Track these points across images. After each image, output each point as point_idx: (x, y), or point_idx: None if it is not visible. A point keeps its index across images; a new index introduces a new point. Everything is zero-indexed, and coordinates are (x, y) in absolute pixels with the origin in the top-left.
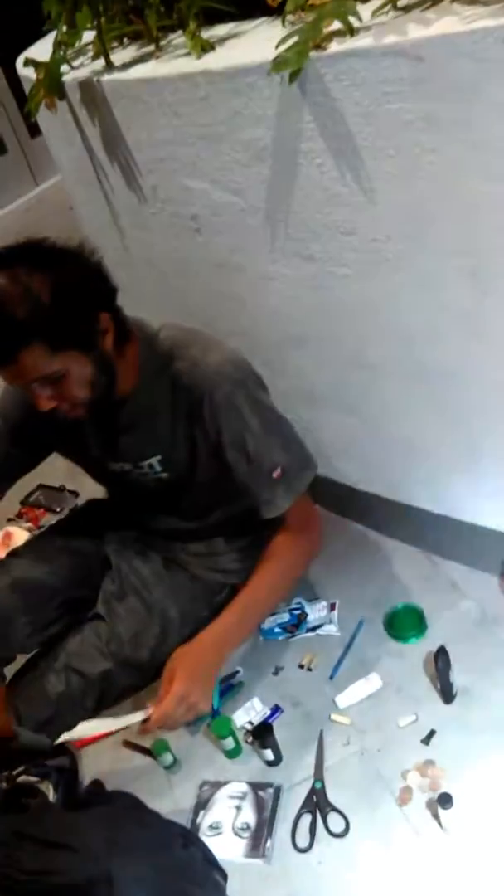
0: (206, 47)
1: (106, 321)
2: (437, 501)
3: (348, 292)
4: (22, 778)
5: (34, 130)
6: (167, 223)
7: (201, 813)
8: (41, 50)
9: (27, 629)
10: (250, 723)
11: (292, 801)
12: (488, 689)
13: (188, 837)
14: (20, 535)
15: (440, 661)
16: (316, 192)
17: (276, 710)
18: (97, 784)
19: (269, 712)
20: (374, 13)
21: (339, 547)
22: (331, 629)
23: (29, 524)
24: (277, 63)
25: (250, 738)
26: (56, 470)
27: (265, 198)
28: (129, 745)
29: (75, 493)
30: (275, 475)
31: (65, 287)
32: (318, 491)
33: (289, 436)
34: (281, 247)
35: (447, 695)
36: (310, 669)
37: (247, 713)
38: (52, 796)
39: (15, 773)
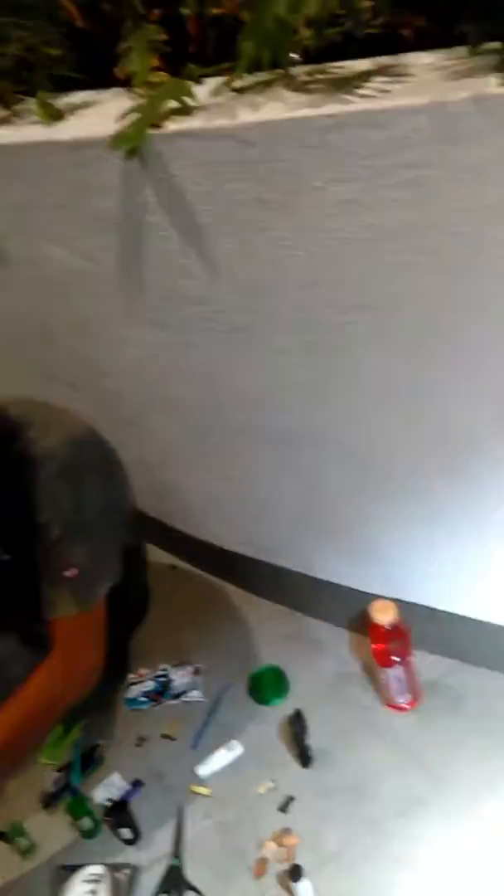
0: (55, 115)
1: None
2: (294, 560)
3: (199, 359)
4: None
5: None
6: (25, 286)
7: None
8: None
9: None
10: (110, 800)
11: (151, 881)
12: (343, 750)
13: None
14: None
15: (296, 725)
16: (164, 264)
17: (136, 784)
18: None
19: (128, 787)
20: (212, 93)
21: (209, 608)
22: (196, 695)
23: None
24: (116, 139)
25: (107, 817)
26: None
27: (117, 266)
28: None
29: None
30: (67, 574)
31: None
32: (189, 550)
33: (101, 538)
34: (135, 313)
35: (304, 759)
36: (173, 739)
37: (107, 790)
38: None
39: None
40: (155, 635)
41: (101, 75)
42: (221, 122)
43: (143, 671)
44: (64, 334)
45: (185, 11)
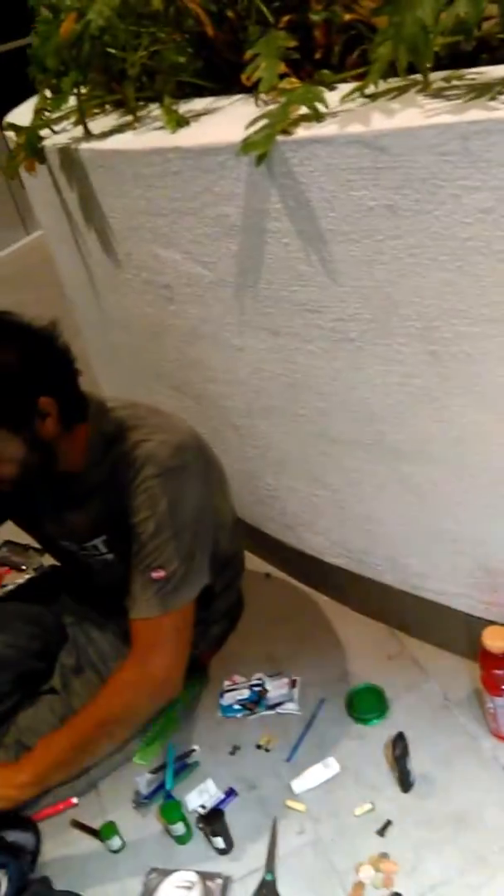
0: (181, 122)
1: (48, 405)
2: (400, 577)
3: (313, 367)
4: None
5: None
6: (140, 290)
7: None
8: (25, 112)
9: None
10: (202, 806)
11: (243, 893)
12: (446, 778)
13: None
14: None
15: (398, 748)
16: (283, 271)
17: (230, 793)
18: (44, 883)
19: (222, 796)
20: (343, 99)
21: (304, 619)
22: (291, 707)
23: None
24: (245, 145)
25: (201, 825)
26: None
27: (234, 272)
28: (77, 825)
29: (41, 552)
30: (154, 575)
31: (6, 368)
32: (286, 559)
33: (194, 543)
34: (249, 320)
35: (405, 783)
36: (267, 750)
37: (200, 796)
38: (3, 889)
39: None
40: (249, 643)
41: (225, 81)
42: (355, 128)
43: (237, 679)
44: (173, 338)
45: (315, 18)
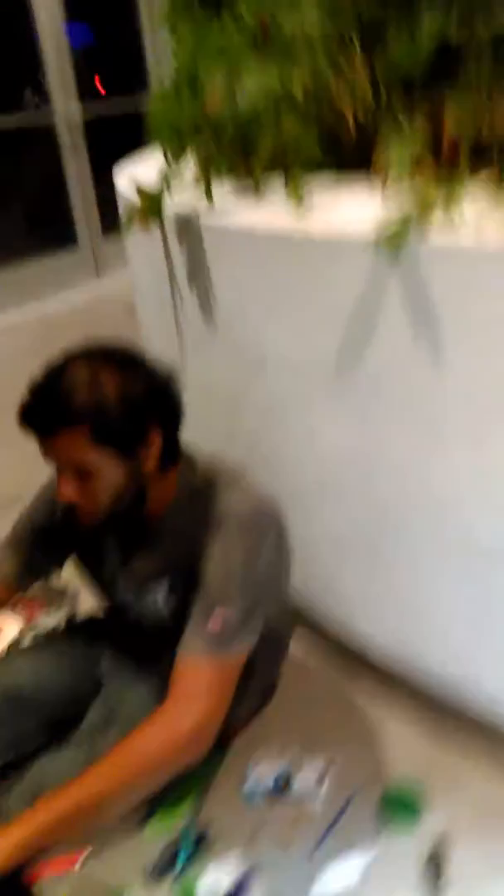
0: (305, 205)
1: (155, 438)
2: (448, 676)
3: (398, 454)
4: None
5: (107, 227)
6: (231, 357)
7: None
8: (143, 169)
9: (1, 743)
10: (215, 893)
11: None
12: (486, 892)
13: None
14: (11, 629)
15: (431, 863)
16: (388, 360)
17: (245, 883)
18: None
19: (237, 884)
20: (476, 202)
21: (341, 704)
22: (318, 799)
23: (23, 619)
24: (377, 239)
25: None
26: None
27: (335, 356)
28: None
29: (76, 595)
30: (212, 619)
31: (133, 394)
32: (330, 643)
33: (256, 603)
34: (340, 402)
35: None
36: (289, 843)
37: (215, 881)
38: None
39: None
40: (279, 726)
41: (354, 171)
42: (495, 241)
43: (262, 762)
44: (255, 407)
45: (452, 131)
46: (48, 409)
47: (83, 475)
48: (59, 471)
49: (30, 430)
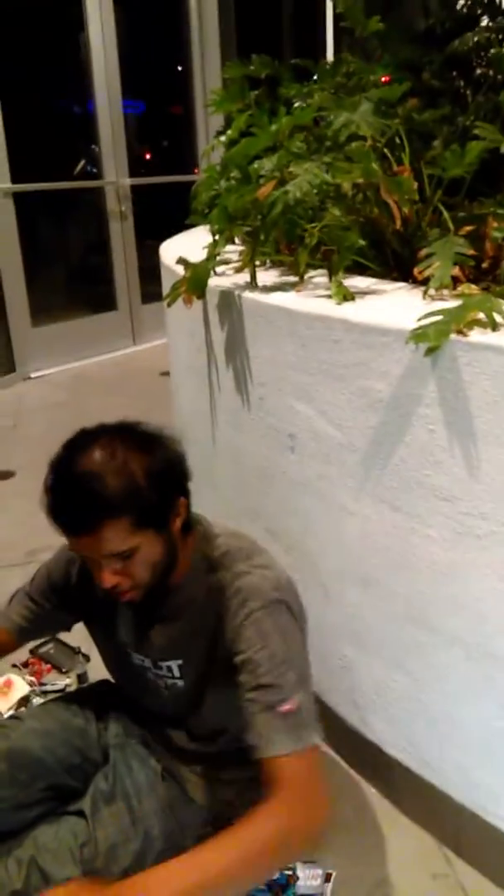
0: (347, 296)
1: (182, 506)
2: (464, 792)
3: (427, 552)
4: None
5: (147, 296)
6: (263, 432)
7: None
8: (188, 244)
9: (3, 804)
10: None
11: None
12: None
13: None
14: (20, 687)
15: None
16: (420, 453)
17: None
18: None
19: None
20: None
21: (348, 808)
22: None
23: (32, 678)
24: (418, 335)
25: None
26: (76, 630)
27: (367, 442)
28: None
29: (87, 658)
30: (282, 709)
31: (158, 469)
32: (341, 742)
33: (307, 676)
34: (370, 489)
35: None
36: None
37: None
38: None
39: None
40: None
41: (388, 267)
42: None
43: None
44: (284, 485)
45: (496, 234)
46: (85, 508)
47: (123, 559)
48: (95, 561)
49: (64, 529)
